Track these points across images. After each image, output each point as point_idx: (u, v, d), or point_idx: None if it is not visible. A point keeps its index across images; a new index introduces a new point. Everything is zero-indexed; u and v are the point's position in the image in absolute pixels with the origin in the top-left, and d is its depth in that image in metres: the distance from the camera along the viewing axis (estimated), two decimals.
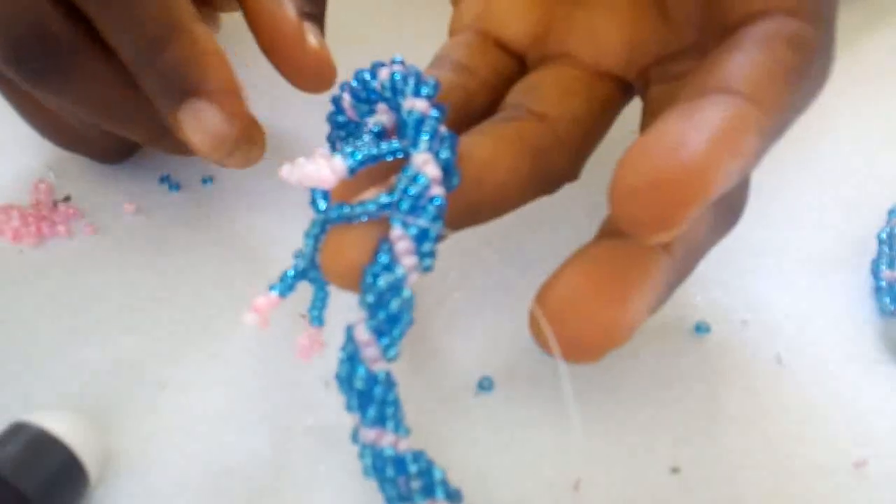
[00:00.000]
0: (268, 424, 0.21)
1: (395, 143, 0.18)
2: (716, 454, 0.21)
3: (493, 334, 0.24)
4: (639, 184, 0.15)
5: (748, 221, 0.22)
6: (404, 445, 0.17)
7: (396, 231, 0.17)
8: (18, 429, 0.19)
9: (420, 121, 0.18)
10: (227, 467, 0.20)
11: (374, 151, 0.18)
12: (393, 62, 0.20)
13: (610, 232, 0.18)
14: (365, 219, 0.17)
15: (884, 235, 0.25)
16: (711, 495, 0.20)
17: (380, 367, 0.17)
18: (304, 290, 0.25)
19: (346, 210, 0.17)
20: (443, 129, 0.18)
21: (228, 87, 0.22)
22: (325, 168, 0.17)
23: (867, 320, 0.24)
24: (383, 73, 0.20)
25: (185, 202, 0.28)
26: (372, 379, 0.17)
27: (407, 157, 0.18)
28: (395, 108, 0.19)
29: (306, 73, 0.25)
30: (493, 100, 0.23)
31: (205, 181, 0.29)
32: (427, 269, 0.17)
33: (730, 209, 0.20)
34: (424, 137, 0.18)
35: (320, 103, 0.31)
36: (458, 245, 0.26)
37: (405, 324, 0.17)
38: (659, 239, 0.15)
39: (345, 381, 0.18)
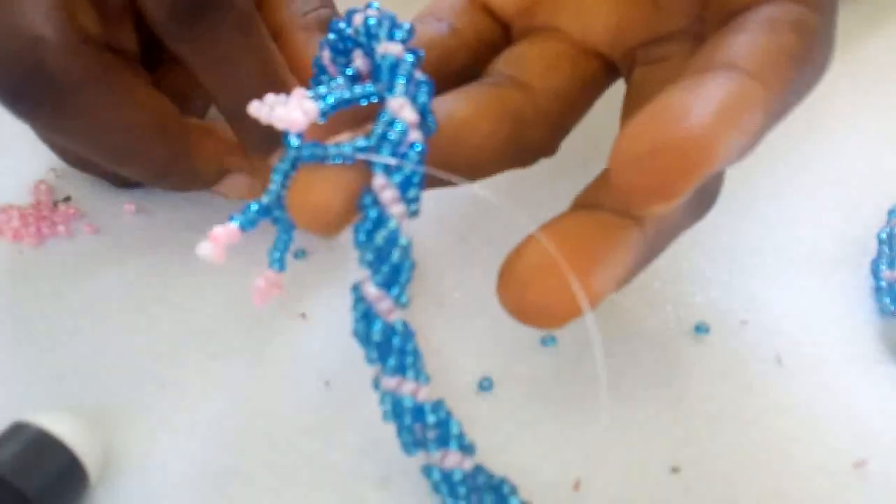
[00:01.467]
0: (268, 425, 0.21)
1: (370, 87, 0.18)
2: (716, 454, 0.21)
3: (493, 334, 0.24)
4: (641, 150, 0.15)
5: (748, 221, 0.22)
6: (424, 394, 0.18)
7: (380, 179, 0.17)
8: (18, 429, 0.19)
9: (394, 64, 0.18)
10: (226, 467, 0.20)
11: (347, 95, 0.18)
12: (368, 7, 0.20)
13: (584, 204, 0.19)
14: (339, 161, 0.17)
15: (884, 235, 0.25)
16: (711, 495, 0.20)
17: (395, 317, 0.17)
18: (306, 289, 0.25)
19: (321, 150, 0.17)
20: (418, 74, 0.18)
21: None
22: (296, 110, 0.17)
23: (867, 320, 0.24)
24: (357, 19, 0.19)
25: (185, 202, 0.28)
26: (389, 329, 0.17)
27: (382, 101, 0.18)
28: (370, 52, 0.19)
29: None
30: (472, 62, 0.23)
31: None
32: (414, 214, 0.17)
33: (707, 195, 0.20)
34: (400, 81, 0.18)
35: None
36: (457, 245, 0.26)
37: (409, 269, 0.17)
38: (656, 209, 0.15)
39: (363, 336, 0.18)
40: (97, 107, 0.22)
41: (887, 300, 0.24)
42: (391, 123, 0.17)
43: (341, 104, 0.18)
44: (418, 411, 0.18)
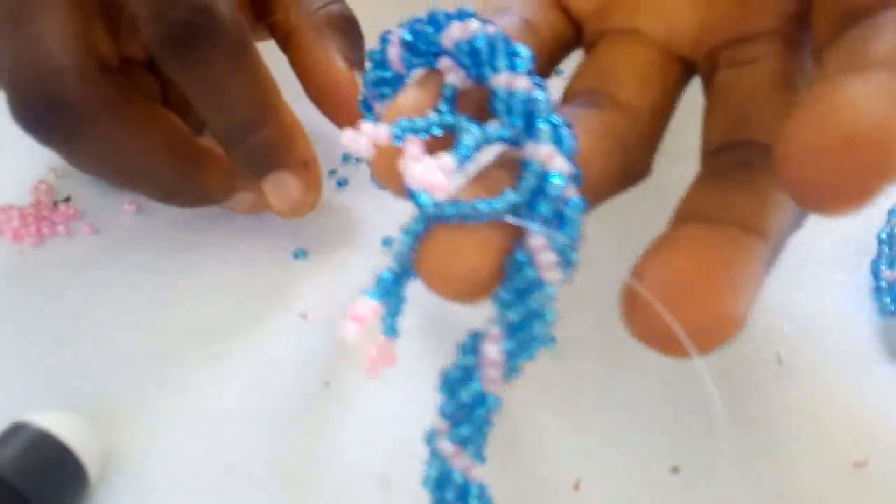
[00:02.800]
0: (268, 424, 0.21)
1: (504, 130, 0.16)
2: (716, 454, 0.21)
3: None
4: (828, 144, 0.13)
5: None
6: (475, 474, 0.16)
7: (537, 240, 0.15)
8: (18, 429, 0.19)
9: (527, 102, 0.16)
10: (227, 467, 0.20)
11: (481, 140, 0.16)
12: (462, 15, 0.17)
13: (692, 215, 0.17)
14: (484, 218, 0.15)
15: (884, 235, 0.25)
16: (711, 495, 0.20)
17: (494, 390, 0.16)
18: (306, 289, 0.25)
19: (467, 209, 0.15)
20: (556, 114, 0.16)
21: (307, 160, 0.25)
22: (435, 171, 0.15)
23: (867, 320, 0.24)
24: (455, 31, 0.17)
25: None
26: (481, 399, 0.16)
27: (516, 145, 0.16)
28: (477, 77, 0.17)
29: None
30: (549, 65, 0.22)
31: None
32: (566, 282, 0.15)
33: None
34: (544, 126, 0.16)
35: None
36: None
37: (540, 347, 0.15)
38: (841, 211, 0.14)
39: (451, 386, 0.16)
40: (113, 133, 0.22)
41: (887, 300, 0.24)
42: (545, 176, 0.15)
43: (476, 151, 0.16)
44: (464, 490, 0.16)
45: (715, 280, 0.15)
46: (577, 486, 0.20)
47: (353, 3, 0.28)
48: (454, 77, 0.17)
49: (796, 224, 0.18)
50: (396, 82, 0.20)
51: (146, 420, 0.21)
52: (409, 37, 0.18)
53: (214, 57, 0.22)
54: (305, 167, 0.25)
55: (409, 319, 0.24)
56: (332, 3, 0.27)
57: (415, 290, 0.16)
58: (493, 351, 0.15)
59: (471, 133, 0.16)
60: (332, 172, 0.29)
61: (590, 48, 0.22)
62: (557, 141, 0.16)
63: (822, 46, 0.17)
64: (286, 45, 0.27)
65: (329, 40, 0.26)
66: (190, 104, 0.23)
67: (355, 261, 0.26)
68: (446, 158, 0.15)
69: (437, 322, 0.24)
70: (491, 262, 0.15)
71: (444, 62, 0.18)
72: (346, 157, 0.30)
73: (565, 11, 0.22)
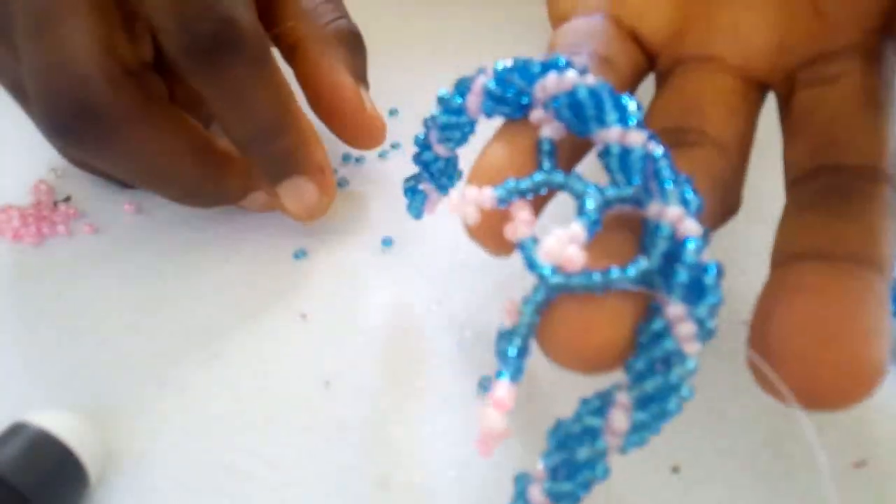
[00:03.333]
0: (268, 424, 0.21)
1: (625, 189, 0.15)
2: (716, 454, 0.21)
3: (493, 334, 0.23)
4: None
5: (749, 222, 0.22)
6: None
7: (677, 309, 0.14)
8: (18, 429, 0.19)
9: (645, 159, 0.15)
10: (227, 467, 0.20)
11: (602, 203, 0.15)
12: (556, 64, 0.17)
13: (801, 253, 0.16)
14: (616, 288, 0.14)
15: None
16: (711, 495, 0.20)
17: (608, 460, 0.15)
18: (306, 289, 0.25)
19: (598, 279, 0.14)
20: (677, 171, 0.15)
21: (323, 166, 0.25)
22: (567, 244, 0.14)
23: None
24: (553, 83, 0.16)
25: None
26: (592, 464, 0.15)
27: (637, 205, 0.15)
28: (579, 130, 0.16)
29: (363, 135, 0.26)
30: None
31: None
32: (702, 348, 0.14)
33: None
34: (669, 186, 0.15)
35: None
36: (455, 245, 0.26)
37: (669, 420, 0.15)
38: None
39: (564, 440, 0.15)
40: (139, 137, 0.22)
41: None
42: (679, 241, 0.14)
43: (601, 215, 0.15)
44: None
45: (853, 326, 0.14)
46: None
47: (353, 5, 0.28)
48: (551, 130, 0.17)
49: None
50: (467, 128, 0.19)
51: (146, 420, 0.21)
52: (494, 86, 0.18)
53: (238, 68, 0.22)
54: (321, 172, 0.25)
55: (407, 320, 0.24)
56: (338, 18, 0.27)
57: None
58: (620, 420, 0.14)
59: (591, 196, 0.15)
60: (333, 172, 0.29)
61: (664, 76, 0.21)
62: (683, 201, 0.15)
63: None
64: (291, 56, 0.27)
65: (335, 53, 0.26)
66: (196, 103, 0.23)
67: (355, 261, 0.26)
68: (576, 228, 0.15)
69: (434, 320, 0.24)
70: (623, 335, 0.14)
71: (537, 114, 0.17)
72: (347, 157, 0.30)
73: (637, 41, 0.22)
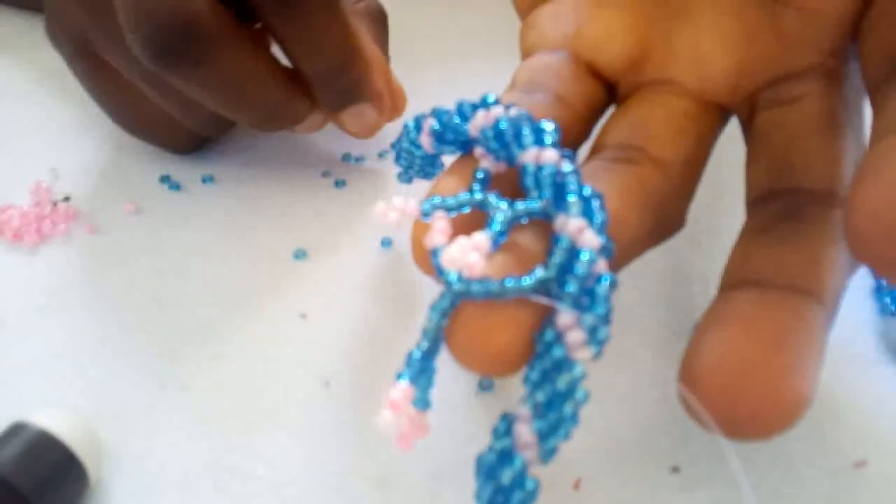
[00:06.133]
0: (268, 424, 0.21)
1: (533, 203, 0.16)
2: (716, 454, 0.21)
3: None
4: None
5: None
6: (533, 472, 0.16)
7: (567, 318, 0.14)
8: (18, 429, 0.19)
9: (556, 175, 0.16)
10: (227, 467, 0.20)
11: (511, 215, 0.16)
12: (485, 102, 0.18)
13: (742, 280, 0.17)
14: (513, 296, 0.15)
15: None
16: (711, 495, 0.20)
17: (533, 474, 0.15)
18: (306, 289, 0.25)
19: (495, 287, 0.15)
20: (586, 186, 0.16)
21: (382, 92, 0.27)
22: (469, 251, 0.15)
23: (867, 320, 0.24)
24: (481, 119, 0.17)
25: (185, 202, 0.28)
26: (520, 481, 0.15)
27: (546, 218, 0.16)
28: (507, 158, 0.17)
29: (387, 106, 0.28)
30: (584, 136, 0.21)
31: (205, 181, 0.29)
32: (597, 357, 0.15)
33: None
34: (572, 198, 0.15)
35: None
36: None
37: (572, 427, 0.15)
38: None
39: (488, 470, 0.15)
40: (232, 59, 0.23)
41: (887, 300, 0.24)
42: (574, 252, 0.15)
43: (509, 226, 0.16)
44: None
45: (777, 360, 0.14)
46: (577, 486, 0.20)
47: None
48: (486, 162, 0.18)
49: (852, 275, 0.17)
50: (428, 159, 0.22)
51: (146, 420, 0.21)
52: (437, 127, 0.19)
53: (312, 7, 0.23)
54: (380, 97, 0.27)
55: (407, 320, 0.24)
56: None
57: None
58: (525, 432, 0.15)
59: (500, 209, 0.16)
60: (328, 173, 0.29)
61: (623, 101, 0.22)
62: (588, 214, 0.15)
63: (875, 85, 0.17)
64: None
65: (365, 26, 0.28)
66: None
67: (355, 261, 0.26)
68: (480, 237, 0.15)
69: None
70: (520, 340, 0.15)
71: (478, 150, 0.18)
72: (346, 157, 0.30)
73: (596, 75, 0.22)
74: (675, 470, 0.20)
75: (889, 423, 0.21)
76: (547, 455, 0.15)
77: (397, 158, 0.25)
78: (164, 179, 0.28)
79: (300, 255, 0.26)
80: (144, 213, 0.27)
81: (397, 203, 0.17)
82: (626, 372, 0.22)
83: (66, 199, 0.28)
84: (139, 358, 0.23)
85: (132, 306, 0.24)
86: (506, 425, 0.16)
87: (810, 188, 0.18)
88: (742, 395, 0.14)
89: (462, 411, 0.22)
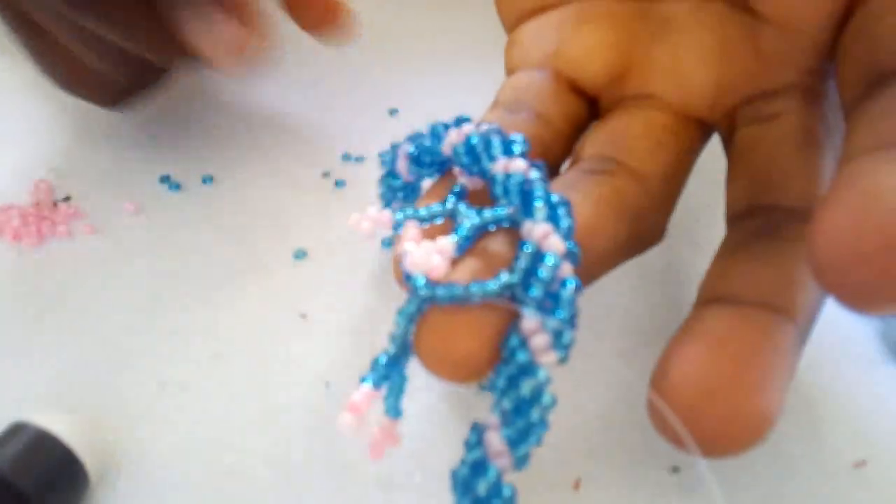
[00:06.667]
0: (268, 424, 0.21)
1: (501, 210, 0.16)
2: None
3: None
4: (865, 247, 0.12)
5: None
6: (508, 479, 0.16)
7: (531, 323, 0.14)
8: (18, 429, 0.19)
9: (523, 183, 0.16)
10: (227, 467, 0.20)
11: (477, 221, 0.16)
12: (459, 121, 0.18)
13: (716, 296, 0.17)
14: (478, 301, 0.15)
15: None
16: (711, 495, 0.20)
17: (507, 480, 0.15)
18: (306, 289, 0.25)
19: (459, 291, 0.15)
20: (554, 194, 0.16)
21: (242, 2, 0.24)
22: (431, 254, 0.15)
23: (867, 320, 0.24)
24: (453, 137, 0.18)
25: (185, 202, 0.28)
26: (496, 490, 0.15)
27: (514, 225, 0.16)
28: (480, 172, 0.17)
29: (325, 17, 0.26)
30: (566, 153, 0.21)
31: (205, 181, 0.29)
32: (563, 362, 0.15)
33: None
34: (538, 204, 0.15)
35: (323, 81, 0.31)
36: None
37: (542, 431, 0.15)
38: (881, 310, 0.12)
39: (462, 483, 0.15)
40: None
41: None
42: (539, 256, 0.15)
43: (475, 234, 0.16)
44: (495, 488, 0.15)
45: (741, 378, 0.14)
46: (577, 486, 0.20)
47: (353, 5, 0.28)
48: (462, 178, 0.18)
49: (823, 300, 0.17)
50: (408, 189, 0.22)
51: (146, 420, 0.21)
52: (413, 151, 0.19)
53: None
54: (241, 4, 0.24)
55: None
56: None
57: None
58: (495, 441, 0.15)
59: (468, 216, 0.16)
60: (328, 173, 0.29)
61: (604, 115, 0.22)
62: (554, 219, 0.15)
63: (850, 106, 0.16)
64: None
65: None
66: None
67: (355, 261, 0.26)
68: (444, 241, 0.15)
69: None
70: (485, 346, 0.15)
71: (456, 169, 0.18)
72: (346, 157, 0.30)
73: (578, 91, 0.22)
74: (675, 470, 0.20)
75: (889, 423, 0.21)
76: (520, 462, 0.15)
77: (381, 197, 0.24)
78: (164, 179, 0.28)
79: (300, 255, 0.26)
80: (144, 213, 0.27)
81: (371, 213, 0.17)
82: (625, 372, 0.22)
83: (66, 199, 0.28)
84: (139, 358, 0.23)
85: (132, 306, 0.24)
86: (476, 436, 0.16)
87: (788, 206, 0.18)
88: (706, 412, 0.14)
89: (461, 411, 0.22)
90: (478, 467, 0.15)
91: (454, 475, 0.16)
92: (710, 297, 0.17)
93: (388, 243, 0.26)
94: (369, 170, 0.29)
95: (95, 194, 0.28)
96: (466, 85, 0.32)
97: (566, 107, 0.21)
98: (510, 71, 0.23)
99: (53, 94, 0.33)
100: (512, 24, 0.24)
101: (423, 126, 0.19)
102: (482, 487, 0.15)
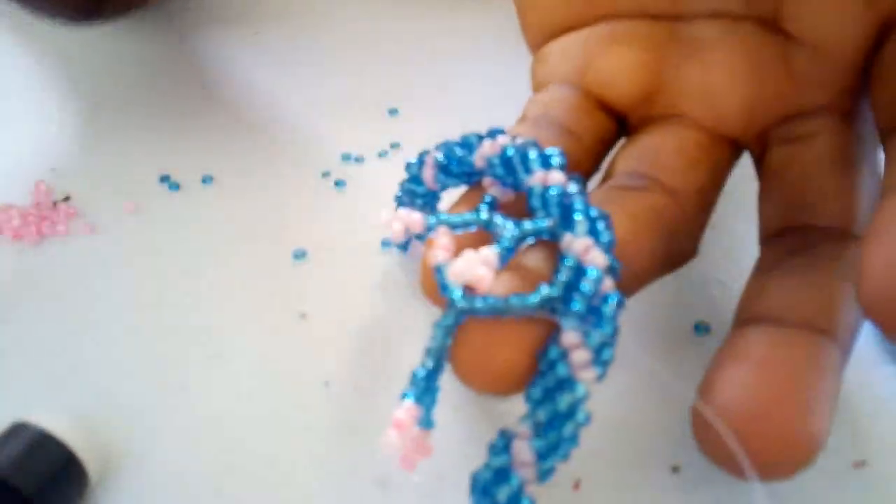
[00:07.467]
0: (268, 424, 0.21)
1: (541, 222, 0.16)
2: None
3: None
4: None
5: (749, 223, 0.22)
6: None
7: (572, 338, 0.14)
8: (18, 429, 0.19)
9: (562, 195, 0.16)
10: (227, 467, 0.20)
11: (518, 234, 0.16)
12: (493, 133, 0.18)
13: (756, 316, 0.17)
14: (518, 314, 0.15)
15: None
16: (711, 495, 0.20)
17: (529, 492, 0.15)
18: (306, 289, 0.25)
19: (500, 304, 0.14)
20: (593, 207, 0.16)
21: None
22: (477, 265, 0.15)
23: (867, 321, 0.24)
24: (487, 149, 0.18)
25: (185, 202, 0.28)
26: (516, 500, 0.15)
27: (553, 238, 0.16)
28: (514, 184, 0.17)
29: None
30: (594, 169, 0.21)
31: (205, 181, 0.29)
32: (601, 379, 0.15)
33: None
34: (578, 217, 0.15)
35: (330, 78, 0.31)
36: None
37: (572, 447, 0.15)
38: None
39: (483, 488, 0.15)
40: None
41: None
42: (580, 270, 0.15)
43: (517, 244, 0.16)
44: (515, 498, 0.15)
45: (790, 400, 0.14)
46: (577, 486, 0.20)
47: (354, 5, 0.28)
48: (494, 190, 0.18)
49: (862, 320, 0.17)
50: (429, 197, 0.22)
51: (146, 420, 0.21)
52: (442, 159, 0.19)
53: None
54: None
55: (408, 320, 0.24)
56: None
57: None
58: (524, 451, 0.15)
59: (508, 228, 0.16)
60: (328, 173, 0.29)
61: (634, 132, 0.22)
62: (594, 233, 0.15)
63: (886, 130, 0.16)
64: None
65: None
66: None
67: (355, 261, 0.26)
68: (488, 252, 0.15)
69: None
70: (523, 358, 0.15)
71: (486, 179, 0.18)
72: (346, 157, 0.30)
73: (607, 108, 0.22)
74: (675, 470, 0.20)
75: (889, 423, 0.21)
76: (545, 475, 0.15)
77: (397, 201, 0.24)
78: (164, 179, 0.28)
79: (300, 255, 0.26)
80: (144, 213, 0.27)
81: (402, 214, 0.17)
82: (625, 372, 0.22)
83: (67, 198, 0.28)
84: (139, 358, 0.23)
85: (132, 306, 0.24)
86: (503, 442, 0.15)
87: (824, 225, 0.18)
88: (756, 435, 0.14)
89: (464, 412, 0.22)
90: (501, 474, 0.15)
91: (475, 478, 0.16)
92: (750, 316, 0.17)
93: (388, 244, 0.26)
94: (369, 170, 0.29)
95: (95, 194, 0.28)
96: (466, 85, 0.32)
97: (595, 124, 0.21)
98: (537, 87, 0.23)
99: (54, 94, 0.33)
100: (538, 42, 0.24)
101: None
102: (503, 494, 0.15)
